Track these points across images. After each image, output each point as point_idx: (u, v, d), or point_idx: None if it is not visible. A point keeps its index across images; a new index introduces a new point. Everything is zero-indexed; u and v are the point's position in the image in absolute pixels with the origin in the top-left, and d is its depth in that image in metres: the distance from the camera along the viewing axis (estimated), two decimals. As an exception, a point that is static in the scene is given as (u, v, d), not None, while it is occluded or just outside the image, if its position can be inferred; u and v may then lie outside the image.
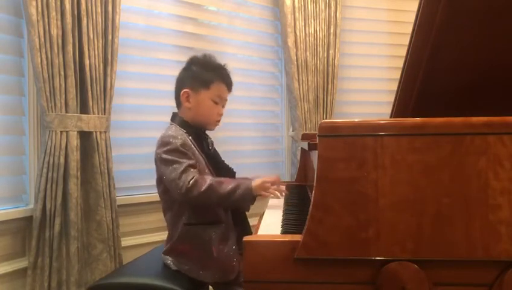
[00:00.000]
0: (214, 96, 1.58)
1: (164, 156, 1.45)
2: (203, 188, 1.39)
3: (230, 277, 1.49)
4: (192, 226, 1.49)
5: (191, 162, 1.45)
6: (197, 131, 1.58)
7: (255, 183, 1.44)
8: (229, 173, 1.63)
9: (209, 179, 1.41)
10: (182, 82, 1.60)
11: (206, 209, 1.49)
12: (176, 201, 1.49)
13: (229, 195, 1.40)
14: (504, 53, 1.11)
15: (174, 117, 1.62)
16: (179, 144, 1.46)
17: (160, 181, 1.53)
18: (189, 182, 1.39)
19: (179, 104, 1.61)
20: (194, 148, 1.51)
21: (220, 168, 1.60)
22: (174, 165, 1.43)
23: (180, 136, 1.49)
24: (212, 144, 1.65)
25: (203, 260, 1.47)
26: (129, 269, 1.57)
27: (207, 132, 1.65)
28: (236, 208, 1.56)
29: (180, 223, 1.50)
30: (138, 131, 2.20)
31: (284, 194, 1.59)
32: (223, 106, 1.63)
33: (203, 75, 1.57)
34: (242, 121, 2.63)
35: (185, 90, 1.56)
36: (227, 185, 1.41)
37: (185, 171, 1.41)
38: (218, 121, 1.63)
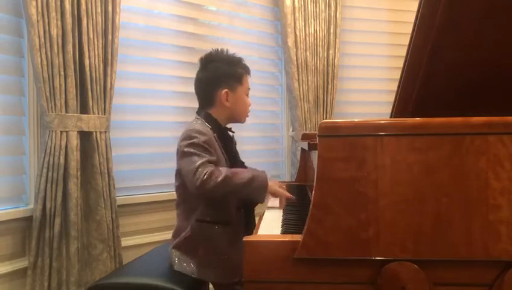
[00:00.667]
0: (246, 89, 1.64)
1: (186, 149, 1.45)
2: (219, 179, 1.38)
3: (234, 279, 1.49)
4: (204, 223, 1.49)
5: (211, 158, 1.45)
6: (223, 130, 1.60)
7: (271, 182, 1.47)
8: None
9: (224, 170, 1.42)
10: (212, 82, 1.59)
11: (219, 208, 1.49)
12: (193, 195, 1.48)
13: (244, 186, 1.41)
14: (504, 53, 1.11)
15: (201, 112, 1.62)
16: (203, 140, 1.46)
17: (179, 174, 1.53)
18: (204, 174, 1.38)
19: (211, 104, 1.60)
20: (217, 146, 1.52)
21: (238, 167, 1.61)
22: (194, 158, 1.42)
23: (207, 132, 1.50)
24: (236, 144, 1.67)
25: (211, 259, 1.47)
26: (129, 269, 1.57)
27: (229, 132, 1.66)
28: (250, 200, 1.56)
29: (192, 218, 1.50)
30: (138, 131, 2.20)
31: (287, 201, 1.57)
32: None
33: (234, 71, 1.59)
34: (242, 121, 2.63)
35: (224, 90, 1.57)
36: (244, 175, 1.42)
37: (202, 165, 1.40)
38: (249, 112, 1.68)
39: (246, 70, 1.64)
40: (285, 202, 1.53)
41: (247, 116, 1.68)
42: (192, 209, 1.51)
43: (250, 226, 1.59)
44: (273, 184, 1.48)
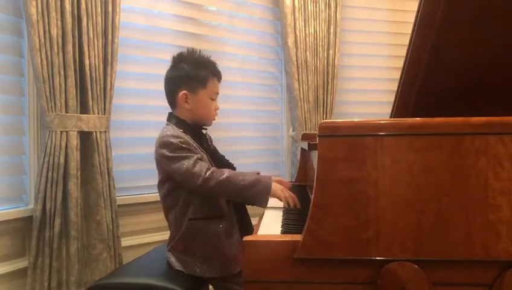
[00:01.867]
0: (211, 93, 1.59)
1: (170, 154, 1.44)
2: (221, 177, 1.38)
3: (234, 271, 1.49)
4: (197, 220, 1.49)
5: (198, 155, 1.46)
6: (195, 129, 1.58)
7: (274, 185, 1.43)
8: (230, 168, 1.63)
9: (227, 171, 1.42)
10: (175, 82, 1.58)
11: (211, 203, 1.49)
12: (181, 197, 1.49)
13: (246, 189, 1.40)
14: (504, 53, 1.11)
15: (171, 117, 1.61)
16: (180, 142, 1.46)
17: (164, 182, 1.53)
18: (205, 172, 1.39)
19: (173, 104, 1.60)
20: (195, 145, 1.52)
21: (222, 164, 1.60)
22: (184, 160, 1.42)
23: (180, 135, 1.49)
24: (211, 141, 1.66)
25: (209, 254, 1.47)
26: (129, 269, 1.57)
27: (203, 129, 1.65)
28: (251, 204, 1.54)
29: (185, 220, 1.49)
30: (138, 131, 2.20)
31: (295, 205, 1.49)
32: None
33: (198, 73, 1.56)
34: (242, 121, 2.63)
35: (183, 92, 1.55)
36: (247, 177, 1.41)
37: (196, 162, 1.42)
38: (216, 115, 1.64)
39: (214, 74, 1.59)
40: (289, 203, 1.46)
41: (214, 119, 1.64)
42: (184, 212, 1.50)
43: (245, 218, 1.60)
44: (276, 188, 1.44)
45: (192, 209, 1.49)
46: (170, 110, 1.65)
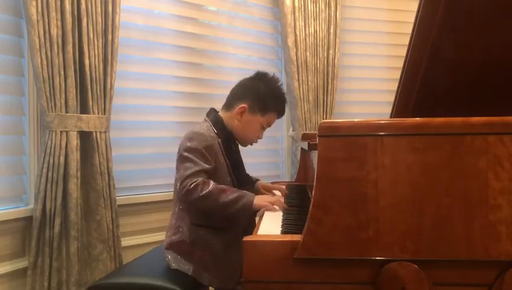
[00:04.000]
0: (265, 122, 1.60)
1: (185, 153, 1.42)
2: (203, 192, 1.35)
3: (230, 284, 1.48)
4: (199, 227, 1.48)
5: (206, 166, 1.42)
6: (229, 134, 1.57)
7: (257, 199, 1.38)
8: (248, 181, 1.63)
9: (211, 186, 1.37)
10: (245, 92, 1.57)
11: (213, 217, 1.46)
12: None
13: (227, 205, 1.36)
14: (504, 53, 1.11)
15: (211, 112, 1.59)
16: (203, 145, 1.43)
17: None
18: (191, 184, 1.36)
19: (229, 108, 1.59)
20: (220, 152, 1.49)
21: (241, 174, 1.59)
22: (188, 164, 1.40)
23: (210, 137, 1.47)
24: (239, 154, 1.65)
25: (206, 263, 1.46)
26: (129, 269, 1.57)
27: None
28: (234, 220, 1.50)
29: (187, 219, 1.48)
30: (138, 131, 2.21)
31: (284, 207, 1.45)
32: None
33: (266, 100, 1.56)
34: (242, 121, 2.63)
35: (243, 105, 1.55)
36: (229, 195, 1.37)
37: (193, 174, 1.38)
38: (255, 142, 1.64)
39: (278, 111, 1.60)
40: (279, 208, 1.40)
41: (251, 144, 1.64)
42: (188, 210, 1.49)
43: (250, 229, 1.56)
44: (259, 201, 1.38)
45: (195, 213, 1.47)
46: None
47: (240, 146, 1.67)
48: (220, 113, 1.60)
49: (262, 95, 1.56)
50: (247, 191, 1.44)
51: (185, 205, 1.50)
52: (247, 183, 1.60)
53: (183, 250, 1.48)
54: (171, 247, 1.50)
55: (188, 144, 1.44)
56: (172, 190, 1.58)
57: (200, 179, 1.37)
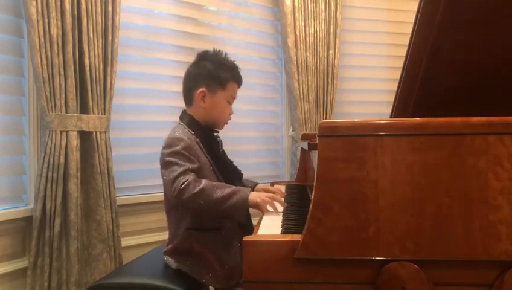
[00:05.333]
0: (228, 96, 1.57)
1: (167, 158, 1.42)
2: (195, 190, 1.32)
3: (230, 283, 1.47)
4: (193, 231, 1.47)
5: (192, 166, 1.40)
6: (207, 132, 1.55)
7: (252, 195, 1.35)
8: (236, 174, 1.60)
9: (203, 183, 1.35)
10: (195, 79, 1.55)
11: (207, 216, 1.46)
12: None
13: (221, 202, 1.33)
14: (504, 53, 1.11)
15: (183, 116, 1.57)
16: (182, 146, 1.42)
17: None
18: (182, 184, 1.34)
19: (189, 101, 1.57)
20: (201, 151, 1.48)
21: (228, 171, 1.57)
22: (174, 167, 1.38)
23: (187, 138, 1.45)
24: (221, 144, 1.62)
25: (204, 265, 1.46)
26: (129, 269, 1.58)
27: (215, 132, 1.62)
28: (229, 217, 1.48)
29: (183, 226, 1.47)
30: (138, 131, 2.20)
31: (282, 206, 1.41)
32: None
33: (219, 74, 1.53)
34: (242, 121, 2.63)
35: (201, 89, 1.52)
36: (222, 191, 1.34)
37: (182, 173, 1.36)
38: (229, 120, 1.61)
39: (235, 78, 1.57)
40: (272, 208, 1.36)
41: (226, 123, 1.61)
42: (182, 218, 1.48)
43: (247, 228, 1.53)
44: (254, 197, 1.34)
45: (189, 218, 1.46)
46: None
47: (224, 147, 1.64)
48: (188, 112, 1.58)
49: (213, 72, 1.53)
50: (242, 187, 1.42)
51: (177, 213, 1.49)
52: (234, 176, 1.56)
53: (180, 255, 1.48)
54: (168, 253, 1.51)
55: (168, 150, 1.43)
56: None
57: (190, 178, 1.35)
